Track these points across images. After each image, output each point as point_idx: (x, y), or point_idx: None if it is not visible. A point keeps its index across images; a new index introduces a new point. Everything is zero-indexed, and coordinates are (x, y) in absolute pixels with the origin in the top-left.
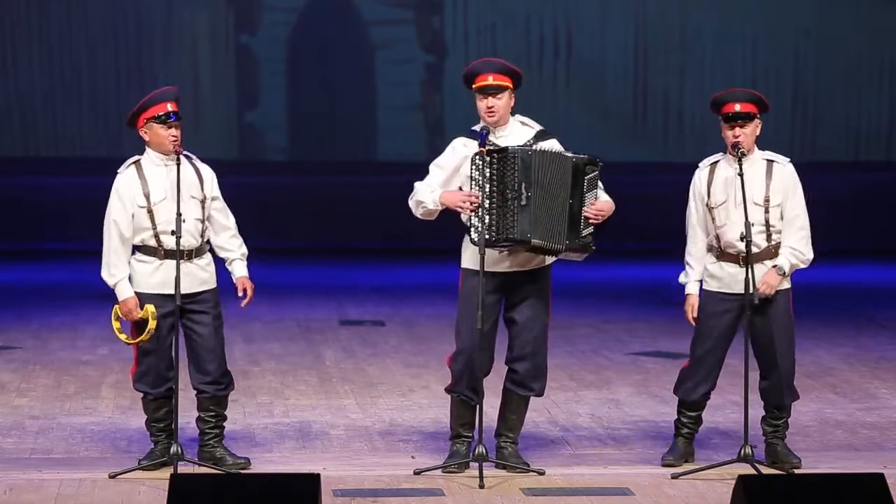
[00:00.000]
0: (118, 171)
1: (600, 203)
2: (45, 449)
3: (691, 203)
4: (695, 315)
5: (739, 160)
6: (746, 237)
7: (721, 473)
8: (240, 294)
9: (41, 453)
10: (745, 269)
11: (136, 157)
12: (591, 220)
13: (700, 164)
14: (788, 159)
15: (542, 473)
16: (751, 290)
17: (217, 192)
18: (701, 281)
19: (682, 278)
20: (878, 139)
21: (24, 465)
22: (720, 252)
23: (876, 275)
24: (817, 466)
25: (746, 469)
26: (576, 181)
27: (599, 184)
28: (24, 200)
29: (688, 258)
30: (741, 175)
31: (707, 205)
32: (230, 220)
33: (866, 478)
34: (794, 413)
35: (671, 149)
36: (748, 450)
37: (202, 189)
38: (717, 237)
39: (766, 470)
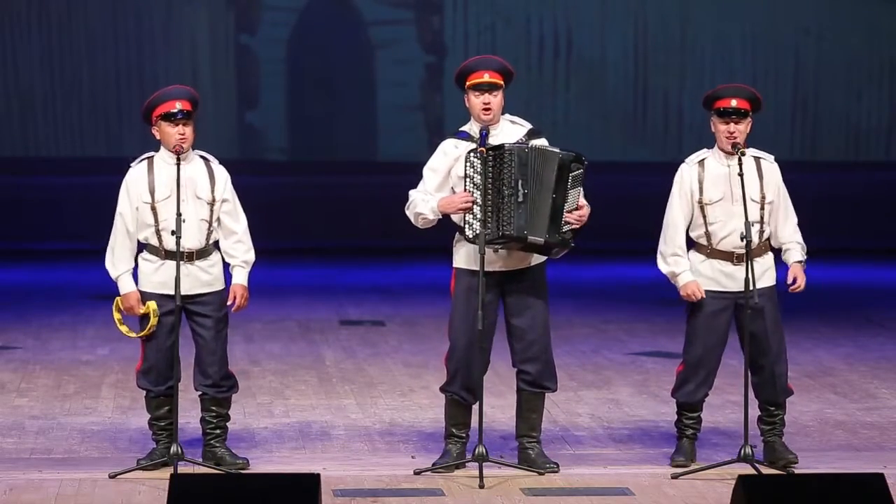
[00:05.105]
0: (131, 164)
1: (584, 210)
2: (45, 449)
3: (675, 199)
4: (701, 294)
5: (740, 159)
6: (747, 237)
7: (721, 473)
8: (229, 301)
9: (41, 453)
10: (738, 267)
11: (150, 154)
12: (572, 224)
13: (686, 161)
14: (773, 157)
15: (544, 473)
16: (750, 289)
17: (228, 196)
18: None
19: (672, 268)
20: (878, 139)
21: (24, 465)
22: (710, 250)
23: (876, 275)
24: (817, 466)
25: (746, 469)
26: (560, 176)
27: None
28: (24, 200)
29: (673, 250)
30: (741, 175)
31: (700, 202)
32: (239, 225)
33: (866, 478)
34: (795, 413)
35: (671, 149)
36: (748, 450)
37: (212, 191)
38: (708, 234)
39: (766, 470)
